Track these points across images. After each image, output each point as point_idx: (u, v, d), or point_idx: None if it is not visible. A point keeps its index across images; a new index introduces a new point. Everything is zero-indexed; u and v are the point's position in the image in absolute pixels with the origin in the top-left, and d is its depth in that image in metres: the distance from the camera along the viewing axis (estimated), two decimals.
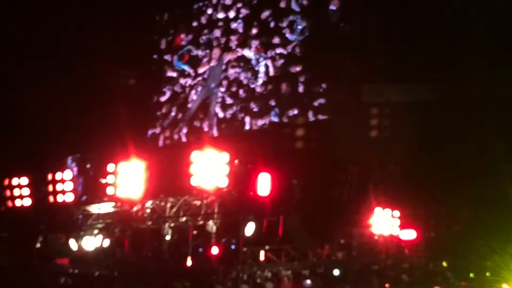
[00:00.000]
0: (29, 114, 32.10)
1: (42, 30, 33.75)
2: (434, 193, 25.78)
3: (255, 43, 32.17)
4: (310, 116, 29.74)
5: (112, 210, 27.58)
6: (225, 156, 24.52)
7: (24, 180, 28.23)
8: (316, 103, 29.72)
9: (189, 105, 33.71)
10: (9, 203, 28.42)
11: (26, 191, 28.21)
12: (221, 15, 33.80)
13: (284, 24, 31.43)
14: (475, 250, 24.37)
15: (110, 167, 26.28)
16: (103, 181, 26.76)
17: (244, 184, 24.81)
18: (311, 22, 30.89)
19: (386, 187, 27.04)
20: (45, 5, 33.86)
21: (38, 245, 28.22)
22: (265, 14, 32.06)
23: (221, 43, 33.48)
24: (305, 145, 28.98)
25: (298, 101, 30.31)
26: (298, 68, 30.64)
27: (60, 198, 27.50)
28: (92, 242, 27.17)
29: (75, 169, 29.21)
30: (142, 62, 36.15)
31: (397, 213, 25.97)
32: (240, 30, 32.99)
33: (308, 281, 26.05)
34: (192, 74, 34.18)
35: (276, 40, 31.45)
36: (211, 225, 25.67)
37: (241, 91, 32.25)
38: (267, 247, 27.25)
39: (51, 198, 27.67)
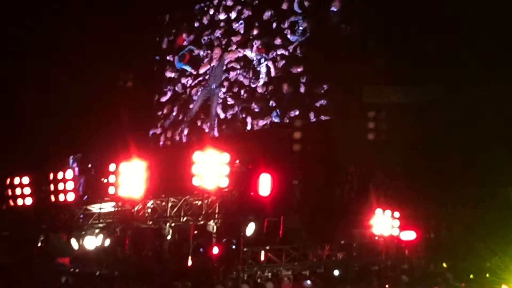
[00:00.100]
0: (31, 114, 32.18)
1: (42, 30, 33.82)
2: (434, 194, 25.80)
3: (256, 43, 32.24)
4: (311, 117, 29.82)
5: (113, 209, 27.64)
6: (226, 157, 24.56)
7: (26, 179, 28.28)
8: (317, 104, 29.81)
9: (190, 106, 33.78)
10: (11, 202, 28.49)
11: (27, 190, 28.27)
12: (222, 16, 33.88)
13: (286, 25, 31.52)
14: (475, 251, 24.39)
15: (112, 166, 26.33)
16: (105, 180, 26.85)
17: (245, 184, 24.85)
18: (312, 23, 30.96)
19: (386, 188, 27.07)
20: (45, 5, 33.92)
21: (39, 244, 28.27)
22: (267, 15, 32.14)
23: (222, 44, 33.57)
24: (306, 145, 29.05)
25: (299, 102, 30.40)
26: (299, 69, 30.72)
27: (61, 197, 27.56)
28: (93, 241, 27.22)
29: (76, 168, 29.27)
30: (143, 62, 36.25)
31: (397, 214, 25.99)
32: (242, 31, 33.08)
33: (308, 282, 26.01)
34: (194, 73, 34.27)
35: (277, 41, 31.53)
36: (212, 225, 25.69)
37: (242, 92, 32.32)
38: (267, 247, 27.27)
39: (52, 197, 27.73)
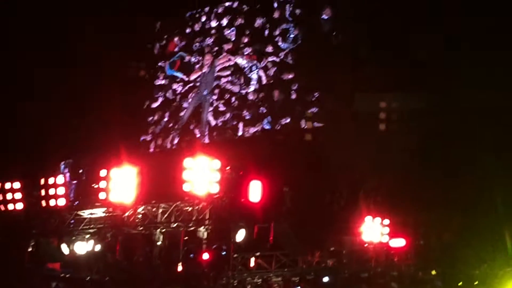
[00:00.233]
0: (22, 120, 32.16)
1: (35, 37, 33.83)
2: (424, 202, 25.92)
3: (247, 50, 32.31)
4: (302, 124, 29.87)
5: (104, 215, 27.61)
6: (217, 163, 24.60)
7: (17, 184, 28.29)
8: (308, 111, 29.86)
9: (181, 113, 33.81)
10: (2, 207, 28.49)
11: (18, 195, 28.28)
12: (214, 23, 33.94)
13: (277, 32, 31.59)
14: (464, 259, 24.56)
15: (103, 172, 26.34)
16: (96, 186, 26.82)
17: (236, 190, 24.88)
18: (304, 31, 31.04)
19: (376, 195, 27.20)
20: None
21: (30, 249, 28.25)
22: (258, 22, 32.21)
23: (213, 50, 33.62)
24: (297, 152, 29.08)
25: (291, 109, 30.44)
26: (290, 76, 30.77)
27: (52, 202, 27.58)
28: (84, 246, 27.22)
29: (67, 174, 29.21)
30: (134, 67, 36.21)
31: (387, 221, 26.15)
32: (233, 38, 33.13)
33: None
34: (185, 79, 34.29)
35: (268, 48, 31.60)
36: (202, 231, 25.70)
37: (233, 99, 32.35)
38: (257, 254, 27.34)
39: (43, 203, 27.75)
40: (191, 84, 34.06)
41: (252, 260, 27.56)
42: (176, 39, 35.37)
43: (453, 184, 25.41)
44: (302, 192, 26.98)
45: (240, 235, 24.81)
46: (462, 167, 25.43)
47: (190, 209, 26.08)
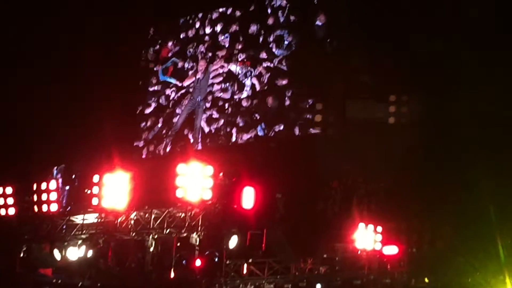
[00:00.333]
0: (14, 124, 32.09)
1: (27, 38, 33.80)
2: (417, 209, 25.94)
3: (241, 56, 32.32)
4: (296, 131, 29.88)
5: (96, 220, 27.50)
6: (209, 169, 24.55)
7: (9, 189, 28.15)
8: (301, 118, 29.87)
9: (175, 120, 33.78)
10: None
11: (10, 201, 28.11)
12: (208, 29, 33.95)
13: (271, 38, 31.61)
14: (456, 266, 24.57)
15: (95, 177, 26.24)
16: (88, 191, 26.72)
17: (229, 197, 24.80)
18: (298, 37, 31.07)
19: (369, 203, 27.20)
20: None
21: (21, 254, 28.12)
22: (252, 29, 32.23)
23: (207, 56, 33.61)
24: (290, 159, 29.08)
25: (284, 115, 30.46)
26: (284, 82, 30.79)
27: (44, 208, 27.45)
28: (76, 252, 27.09)
29: (60, 179, 29.11)
30: (128, 73, 36.19)
31: (380, 228, 26.13)
32: (227, 44, 33.14)
33: None
34: (178, 85, 34.28)
35: (263, 54, 31.62)
36: (195, 237, 25.63)
37: (226, 105, 32.35)
38: (250, 260, 27.30)
39: (35, 208, 27.60)
40: (184, 90, 34.06)
41: (245, 267, 27.51)
42: (169, 44, 35.39)
43: (445, 191, 25.42)
44: (295, 199, 26.97)
45: (233, 242, 24.74)
46: (454, 176, 25.44)
47: (182, 215, 26.02)
